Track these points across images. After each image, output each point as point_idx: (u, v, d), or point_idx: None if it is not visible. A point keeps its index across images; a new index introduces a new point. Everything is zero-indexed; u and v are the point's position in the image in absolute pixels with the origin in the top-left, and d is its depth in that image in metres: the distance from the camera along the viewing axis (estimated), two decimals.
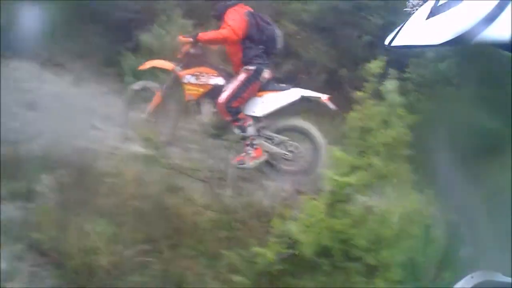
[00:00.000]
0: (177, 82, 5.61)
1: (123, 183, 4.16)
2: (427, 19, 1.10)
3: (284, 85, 5.45)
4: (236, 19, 5.26)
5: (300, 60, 7.91)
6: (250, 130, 5.24)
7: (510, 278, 1.31)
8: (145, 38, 7.49)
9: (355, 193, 3.15)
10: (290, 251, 3.14)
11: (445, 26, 1.03)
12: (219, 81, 5.42)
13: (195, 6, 8.09)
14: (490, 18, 0.95)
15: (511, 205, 1.16)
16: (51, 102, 6.01)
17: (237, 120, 5.26)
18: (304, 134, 5.33)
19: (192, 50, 5.53)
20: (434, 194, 3.01)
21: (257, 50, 5.34)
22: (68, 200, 3.90)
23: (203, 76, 5.44)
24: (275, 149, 5.26)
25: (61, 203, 3.85)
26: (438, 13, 1.08)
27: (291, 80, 6.33)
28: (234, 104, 5.25)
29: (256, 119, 5.38)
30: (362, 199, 3.28)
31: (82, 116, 6.01)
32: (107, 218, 3.69)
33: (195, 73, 5.47)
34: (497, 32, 0.94)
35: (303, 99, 5.24)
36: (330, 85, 7.49)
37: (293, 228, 3.18)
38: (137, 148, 5.29)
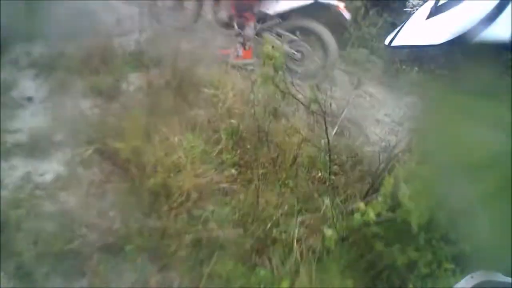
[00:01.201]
0: None
1: (223, 97, 4.57)
2: (427, 19, 1.27)
3: None
4: None
5: None
6: (248, 31, 6.10)
7: (510, 278, 1.51)
8: None
9: None
10: (391, 214, 3.26)
11: (445, 26, 1.18)
12: None
13: None
14: (490, 18, 1.09)
15: (511, 205, 1.33)
16: None
17: (240, 16, 6.12)
18: (316, 36, 6.08)
19: None
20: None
21: None
22: (157, 105, 4.30)
23: None
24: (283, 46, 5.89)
25: (148, 107, 4.25)
26: (438, 13, 1.24)
27: None
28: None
29: (269, 16, 6.12)
30: None
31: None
32: (198, 132, 4.10)
33: None
34: (497, 32, 1.09)
35: (318, 4, 5.89)
36: None
37: (405, 192, 3.19)
38: (250, 62, 5.90)
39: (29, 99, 4.62)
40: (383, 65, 7.08)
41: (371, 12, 7.79)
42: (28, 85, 4.74)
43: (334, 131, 4.46)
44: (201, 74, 4.94)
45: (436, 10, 1.26)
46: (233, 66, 5.80)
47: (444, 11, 1.23)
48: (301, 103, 4.51)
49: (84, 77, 4.76)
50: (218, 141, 4.13)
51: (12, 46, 5.07)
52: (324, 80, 6.06)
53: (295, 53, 6.06)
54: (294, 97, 4.51)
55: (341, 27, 6.52)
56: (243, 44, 6.06)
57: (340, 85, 6.51)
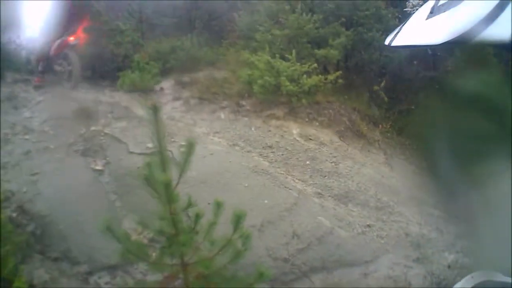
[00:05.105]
0: None
1: None
2: (427, 19, 1.36)
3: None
4: None
5: None
6: (40, 68, 11.15)
7: (510, 278, 1.56)
8: None
9: None
10: None
11: (445, 26, 1.28)
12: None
13: None
14: (490, 18, 1.18)
15: (511, 205, 1.39)
16: None
17: (38, 61, 11.30)
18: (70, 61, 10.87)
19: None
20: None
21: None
22: None
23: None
24: (58, 68, 11.07)
25: None
26: (438, 13, 1.34)
27: None
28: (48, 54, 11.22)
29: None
30: None
31: None
32: None
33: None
34: (497, 32, 1.17)
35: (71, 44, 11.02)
36: None
37: None
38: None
39: None
40: None
41: None
42: None
43: None
44: None
45: (436, 10, 1.36)
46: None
47: (444, 11, 1.32)
48: None
49: None
50: None
51: None
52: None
53: (63, 69, 10.99)
54: None
55: None
56: (39, 74, 11.07)
57: None
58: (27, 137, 7.42)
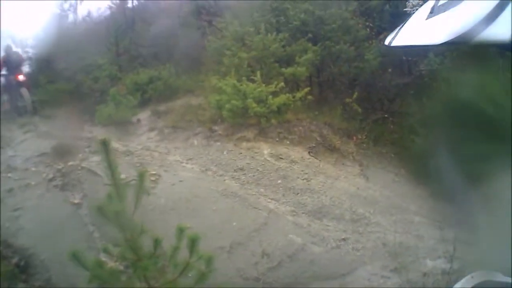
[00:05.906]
0: None
1: None
2: (427, 19, 1.35)
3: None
4: None
5: None
6: (4, 99, 12.84)
7: (510, 278, 1.56)
8: None
9: None
10: None
11: (445, 26, 1.27)
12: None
13: None
14: (490, 18, 1.15)
15: (511, 206, 1.39)
16: None
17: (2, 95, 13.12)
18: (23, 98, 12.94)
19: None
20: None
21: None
22: None
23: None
24: (16, 101, 12.87)
25: None
26: (438, 13, 1.33)
27: None
28: None
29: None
30: None
31: None
32: None
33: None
34: (497, 32, 1.14)
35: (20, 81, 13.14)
36: None
37: None
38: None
39: None
40: None
41: None
42: None
43: None
44: None
45: (436, 10, 1.36)
46: None
47: (444, 11, 1.32)
48: None
49: None
50: None
51: None
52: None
53: (20, 104, 12.68)
54: None
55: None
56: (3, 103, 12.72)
57: None
58: (10, 175, 7.45)
